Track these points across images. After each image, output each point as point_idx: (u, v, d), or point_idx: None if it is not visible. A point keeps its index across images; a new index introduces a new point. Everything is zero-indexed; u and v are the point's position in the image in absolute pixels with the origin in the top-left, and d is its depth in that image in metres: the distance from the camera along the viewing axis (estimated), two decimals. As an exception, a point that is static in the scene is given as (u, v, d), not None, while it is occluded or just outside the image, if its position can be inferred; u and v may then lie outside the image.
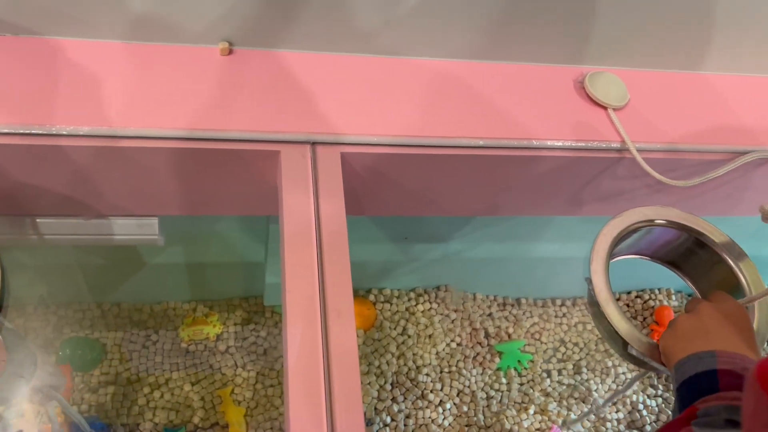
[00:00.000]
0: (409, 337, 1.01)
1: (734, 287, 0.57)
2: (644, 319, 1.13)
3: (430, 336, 1.03)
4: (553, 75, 0.68)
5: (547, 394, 1.03)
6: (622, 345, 0.54)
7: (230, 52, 0.62)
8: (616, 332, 0.53)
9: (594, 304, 0.55)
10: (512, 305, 1.12)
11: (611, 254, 0.58)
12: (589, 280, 0.56)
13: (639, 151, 0.63)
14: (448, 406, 0.98)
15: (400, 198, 0.67)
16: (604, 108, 0.65)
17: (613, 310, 0.54)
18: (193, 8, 0.58)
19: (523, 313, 1.11)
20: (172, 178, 0.60)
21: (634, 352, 0.53)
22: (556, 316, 1.13)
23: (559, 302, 1.15)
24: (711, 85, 0.72)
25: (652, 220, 0.59)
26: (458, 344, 1.04)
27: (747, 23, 0.67)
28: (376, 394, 0.95)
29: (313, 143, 0.59)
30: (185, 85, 0.59)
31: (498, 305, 1.11)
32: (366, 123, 0.60)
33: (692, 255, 0.60)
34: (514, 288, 1.12)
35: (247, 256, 0.93)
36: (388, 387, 0.96)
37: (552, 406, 1.01)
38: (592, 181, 0.67)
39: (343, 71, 0.63)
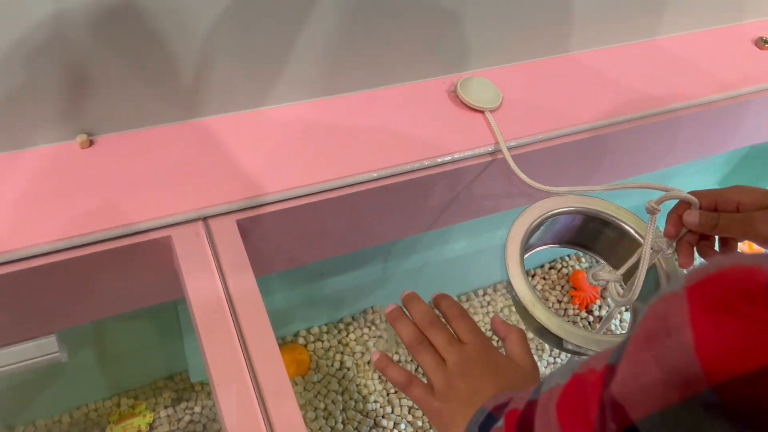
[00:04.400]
0: (348, 369, 1.00)
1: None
2: (562, 287, 1.18)
3: (368, 362, 1.01)
4: (425, 90, 0.68)
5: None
6: (556, 341, 0.55)
7: (91, 143, 0.57)
8: (549, 331, 0.54)
9: (521, 307, 0.56)
10: (439, 308, 1.13)
11: (524, 252, 0.59)
12: (510, 286, 0.56)
13: (517, 147, 0.65)
14: (402, 426, 0.97)
15: (307, 247, 0.65)
16: (481, 112, 0.66)
17: (541, 310, 0.55)
18: (39, 106, 0.53)
19: (451, 313, 1.12)
20: (61, 293, 0.55)
21: (570, 347, 0.54)
22: (481, 306, 1.15)
23: (481, 292, 1.17)
24: (580, 64, 0.75)
25: (554, 211, 0.61)
26: (398, 361, 1.04)
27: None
28: (329, 436, 0.93)
29: (205, 218, 0.56)
30: (50, 190, 0.54)
31: (425, 312, 1.11)
32: (253, 184, 0.57)
33: (599, 234, 0.62)
34: (436, 289, 1.12)
35: (161, 335, 0.88)
36: (340, 427, 0.94)
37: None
38: (487, 184, 0.68)
39: (209, 137, 0.60)
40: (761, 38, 0.80)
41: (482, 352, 0.50)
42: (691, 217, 0.52)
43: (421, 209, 0.68)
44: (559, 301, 1.16)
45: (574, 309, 1.15)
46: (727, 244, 0.55)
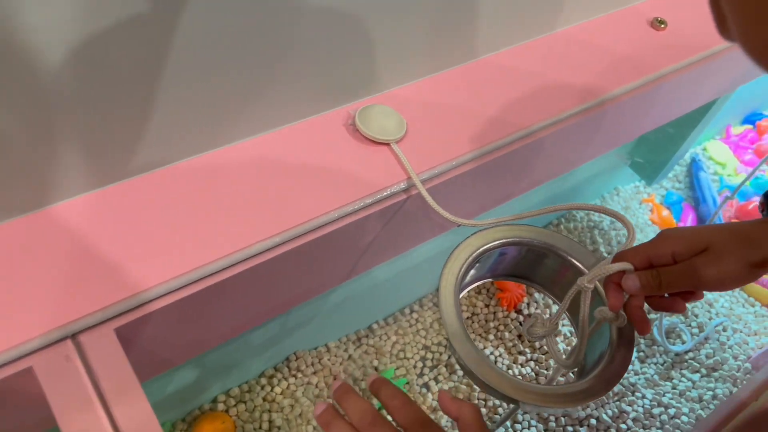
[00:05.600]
0: (279, 428, 0.90)
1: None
2: (488, 290, 1.13)
3: (300, 414, 0.92)
4: (319, 127, 0.60)
5: (435, 410, 0.99)
6: (508, 399, 0.49)
7: None
8: (503, 393, 0.48)
9: (466, 369, 0.49)
10: (366, 336, 1.05)
11: (459, 302, 0.52)
12: (452, 348, 0.49)
13: (431, 178, 0.57)
14: (348, 476, 0.89)
15: (212, 331, 0.55)
16: (386, 144, 0.59)
17: (489, 371, 0.48)
18: None
19: (380, 339, 1.05)
20: None
21: (528, 408, 0.48)
22: (410, 325, 1.08)
23: (408, 310, 1.10)
24: (488, 69, 0.68)
25: (484, 248, 0.54)
26: (331, 405, 0.95)
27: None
28: None
29: (75, 335, 0.45)
30: None
31: (353, 343, 1.04)
32: (129, 280, 0.47)
33: (538, 265, 0.57)
34: (361, 319, 1.05)
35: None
36: (280, 494, 0.85)
37: (444, 421, 0.97)
38: (405, 222, 0.60)
39: (64, 228, 0.49)
40: (656, 19, 0.77)
41: None
42: (631, 282, 0.48)
43: (337, 262, 0.59)
44: (487, 305, 1.12)
45: (503, 311, 1.11)
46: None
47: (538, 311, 1.10)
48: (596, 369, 0.49)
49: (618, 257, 0.49)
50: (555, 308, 1.13)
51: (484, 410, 1.00)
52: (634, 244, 0.50)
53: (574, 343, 1.06)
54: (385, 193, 0.56)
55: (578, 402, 0.48)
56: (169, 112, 0.48)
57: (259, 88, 0.53)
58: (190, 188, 0.52)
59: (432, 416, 0.87)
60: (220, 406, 0.90)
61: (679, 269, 0.46)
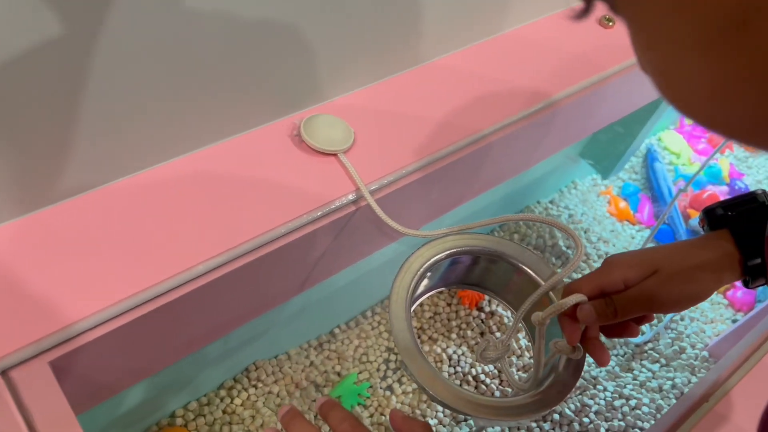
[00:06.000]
0: (240, 440, 0.89)
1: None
2: (449, 289, 1.13)
3: (261, 425, 0.91)
4: (262, 140, 0.58)
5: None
6: (464, 414, 0.49)
7: None
8: (456, 408, 0.47)
9: (419, 385, 0.49)
10: (328, 341, 1.04)
11: (411, 315, 0.51)
12: (404, 364, 0.48)
13: (380, 188, 0.56)
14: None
15: (158, 354, 0.53)
16: (333, 155, 0.57)
17: (442, 387, 0.47)
18: None
19: (342, 343, 1.04)
20: None
21: (481, 423, 0.48)
22: (372, 328, 1.08)
23: (369, 313, 1.09)
24: (436, 72, 0.67)
25: (435, 258, 0.53)
26: None
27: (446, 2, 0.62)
28: None
29: (5, 371, 0.43)
30: None
31: (315, 349, 1.02)
32: (62, 309, 0.45)
33: (489, 272, 0.56)
34: (322, 324, 1.04)
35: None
36: (243, 508, 0.83)
37: None
38: (356, 234, 0.59)
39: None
40: (604, 17, 0.77)
41: None
42: (587, 312, 0.48)
43: (287, 277, 0.58)
44: (449, 304, 1.12)
45: (465, 309, 1.11)
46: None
47: (498, 308, 1.11)
48: (549, 378, 0.49)
49: (569, 289, 0.49)
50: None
51: (447, 410, 1.00)
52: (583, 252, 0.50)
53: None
54: (334, 206, 0.55)
55: (532, 414, 0.47)
56: (97, 130, 0.46)
57: (195, 101, 0.51)
58: (125, 210, 0.50)
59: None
60: (179, 421, 0.88)
61: (633, 295, 0.46)
